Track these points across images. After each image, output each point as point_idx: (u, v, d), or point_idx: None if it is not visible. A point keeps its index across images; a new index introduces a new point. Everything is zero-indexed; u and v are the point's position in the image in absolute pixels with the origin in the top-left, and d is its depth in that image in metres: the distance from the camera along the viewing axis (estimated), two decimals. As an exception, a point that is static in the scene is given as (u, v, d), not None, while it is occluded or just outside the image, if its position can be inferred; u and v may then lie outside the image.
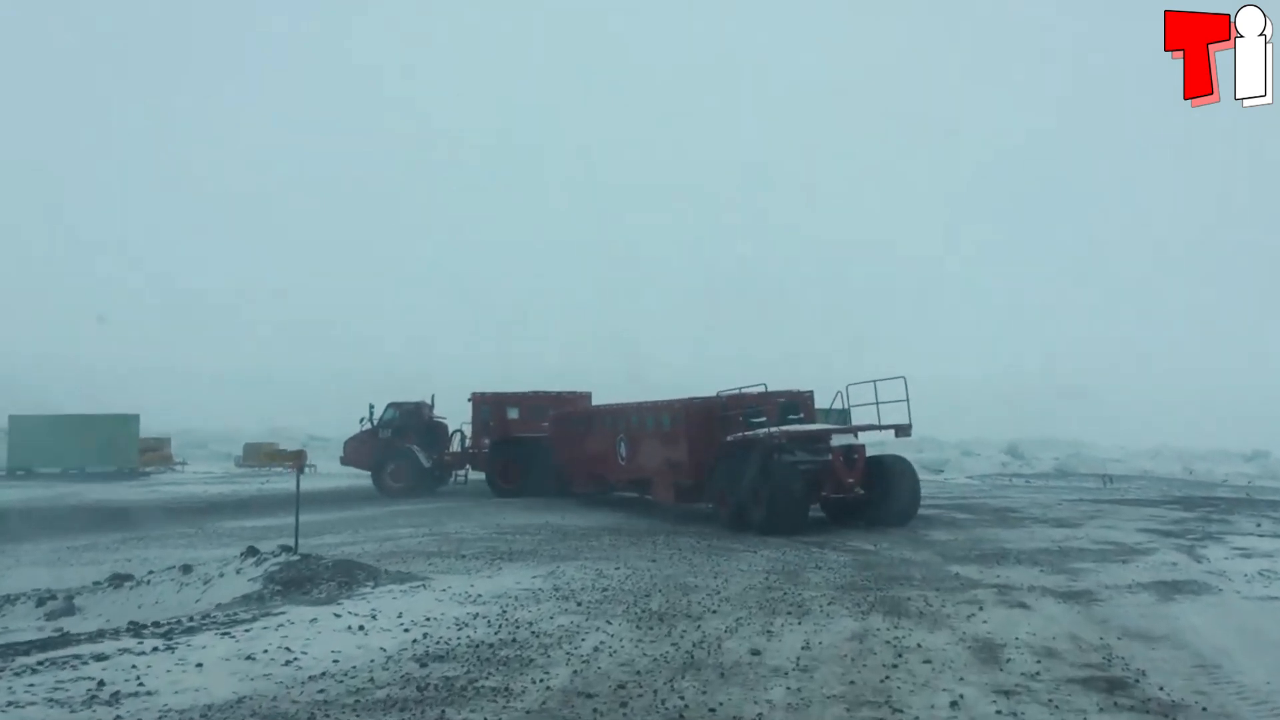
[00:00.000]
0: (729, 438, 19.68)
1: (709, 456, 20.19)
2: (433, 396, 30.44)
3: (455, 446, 30.25)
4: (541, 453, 27.74)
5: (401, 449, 28.92)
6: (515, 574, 13.99)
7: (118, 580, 14.72)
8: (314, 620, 9.66)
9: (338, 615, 9.97)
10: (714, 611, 11.03)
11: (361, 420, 29.13)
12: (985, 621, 10.60)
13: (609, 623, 10.22)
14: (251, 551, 14.36)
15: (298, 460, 15.72)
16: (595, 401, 29.44)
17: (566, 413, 28.21)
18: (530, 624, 10.06)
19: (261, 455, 37.99)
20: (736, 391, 21.07)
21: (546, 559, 16.01)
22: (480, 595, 11.72)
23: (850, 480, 18.61)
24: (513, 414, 29.25)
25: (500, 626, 9.88)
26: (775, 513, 18.05)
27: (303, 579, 12.13)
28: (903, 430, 18.86)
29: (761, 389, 20.50)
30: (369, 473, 29.45)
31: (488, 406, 29.52)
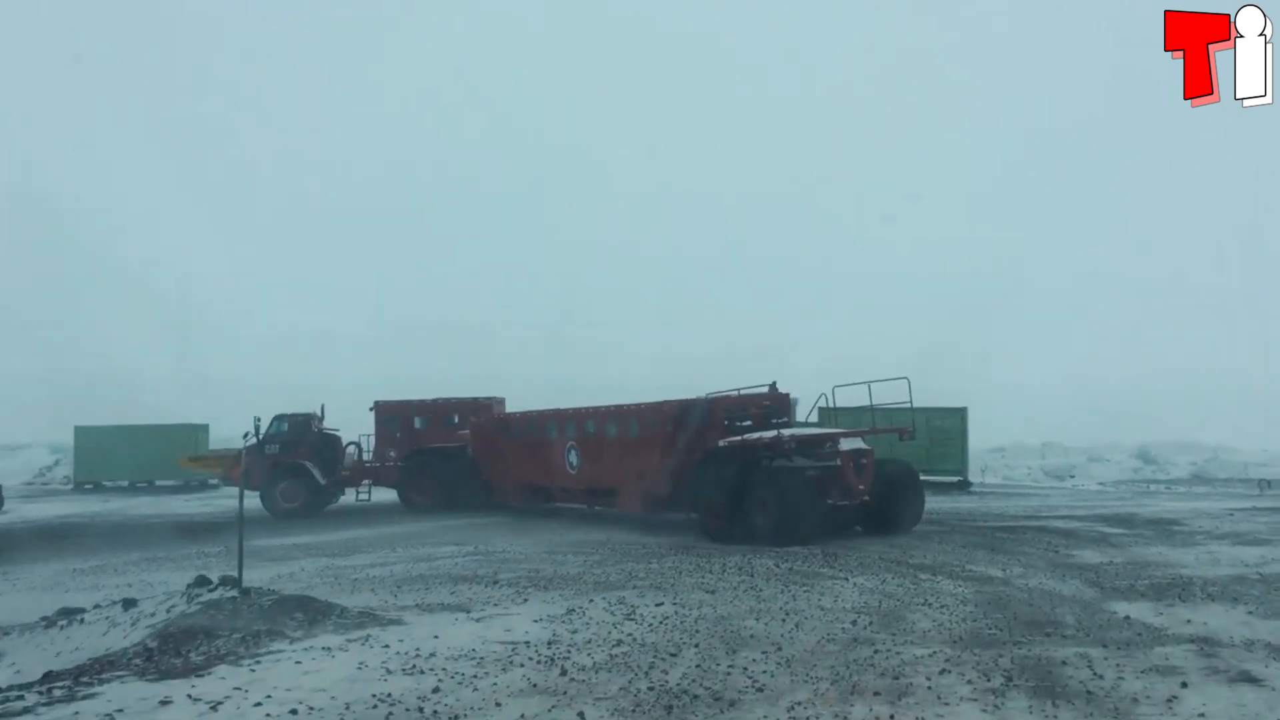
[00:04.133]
0: (721, 443, 17.20)
1: (689, 463, 17.59)
2: (322, 407, 25.79)
3: (350, 460, 25.85)
4: (460, 463, 23.89)
5: (293, 465, 24.46)
6: (524, 614, 10.03)
7: (54, 618, 11.36)
8: (113, 715, 5.83)
9: (165, 702, 6.13)
10: (760, 689, 6.78)
11: (246, 436, 24.96)
12: (1202, 715, 6.08)
13: (580, 717, 6.08)
14: (201, 582, 10.82)
15: (226, 467, 12.17)
16: (510, 408, 25.45)
17: (493, 420, 24.33)
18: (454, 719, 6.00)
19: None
20: (735, 393, 18.21)
21: (587, 587, 12.08)
22: (431, 655, 7.75)
23: (861, 486, 16.26)
24: (419, 423, 25.28)
25: (399, 727, 5.85)
26: (785, 522, 15.55)
27: (203, 630, 8.40)
28: (906, 434, 17.49)
29: (769, 388, 18.03)
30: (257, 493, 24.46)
31: (392, 416, 25.23)
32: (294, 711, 6.02)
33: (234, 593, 9.85)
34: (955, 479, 28.87)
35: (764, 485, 15.91)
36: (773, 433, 16.67)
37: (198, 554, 17.86)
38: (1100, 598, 10.42)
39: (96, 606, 11.62)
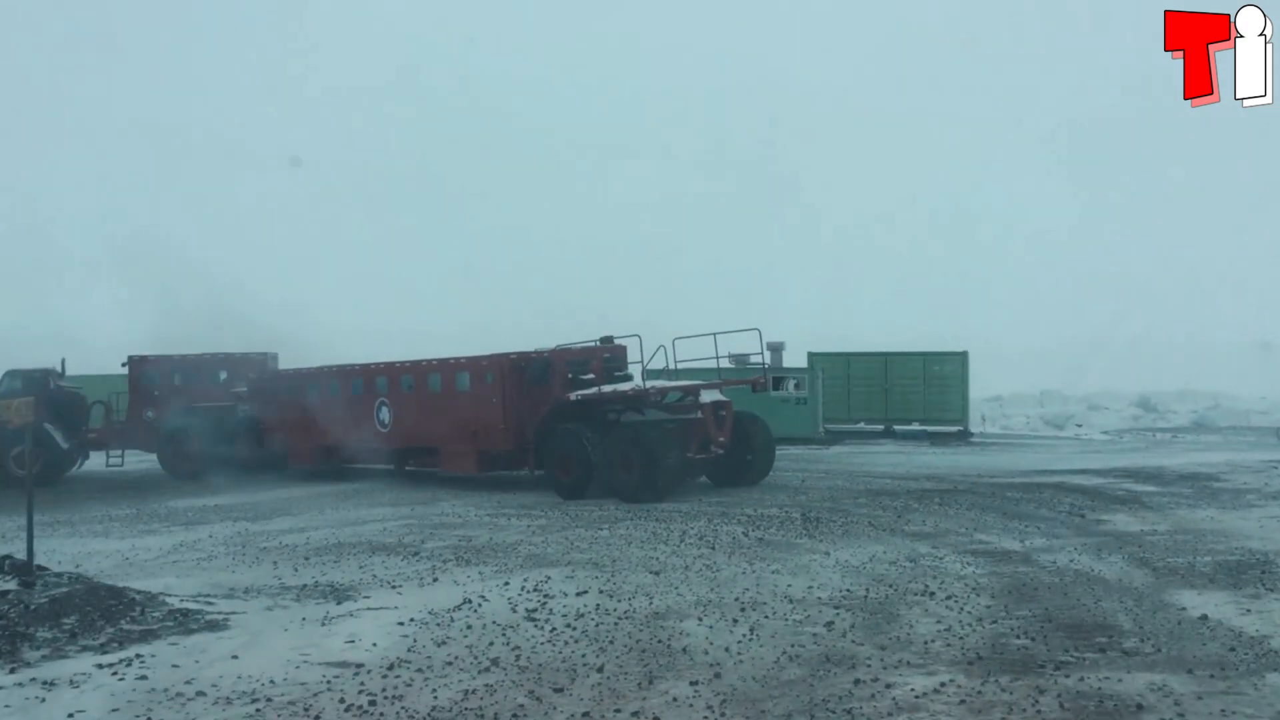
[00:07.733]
0: (573, 396, 16.03)
1: (532, 418, 16.40)
2: (63, 361, 22.56)
3: (97, 421, 22.58)
4: (232, 423, 20.99)
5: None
6: (407, 606, 7.39)
7: None
8: None
9: None
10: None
11: None
12: None
13: None
14: None
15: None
16: (284, 364, 22.36)
17: (278, 376, 21.54)
18: None
19: None
20: (593, 344, 17.26)
21: (515, 563, 9.54)
22: (198, 695, 5.08)
23: (721, 438, 15.51)
24: (180, 380, 22.14)
25: None
26: (648, 477, 14.60)
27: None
28: (759, 385, 17.20)
29: (602, 341, 17.10)
30: None
31: (150, 372, 22.20)
32: None
33: (12, 583, 7.16)
34: (955, 429, 26.05)
35: (625, 440, 14.99)
36: (631, 385, 15.90)
37: (102, 517, 15.22)
38: (1155, 583, 7.66)
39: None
